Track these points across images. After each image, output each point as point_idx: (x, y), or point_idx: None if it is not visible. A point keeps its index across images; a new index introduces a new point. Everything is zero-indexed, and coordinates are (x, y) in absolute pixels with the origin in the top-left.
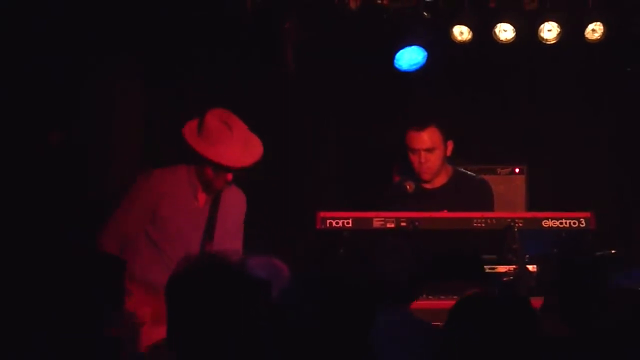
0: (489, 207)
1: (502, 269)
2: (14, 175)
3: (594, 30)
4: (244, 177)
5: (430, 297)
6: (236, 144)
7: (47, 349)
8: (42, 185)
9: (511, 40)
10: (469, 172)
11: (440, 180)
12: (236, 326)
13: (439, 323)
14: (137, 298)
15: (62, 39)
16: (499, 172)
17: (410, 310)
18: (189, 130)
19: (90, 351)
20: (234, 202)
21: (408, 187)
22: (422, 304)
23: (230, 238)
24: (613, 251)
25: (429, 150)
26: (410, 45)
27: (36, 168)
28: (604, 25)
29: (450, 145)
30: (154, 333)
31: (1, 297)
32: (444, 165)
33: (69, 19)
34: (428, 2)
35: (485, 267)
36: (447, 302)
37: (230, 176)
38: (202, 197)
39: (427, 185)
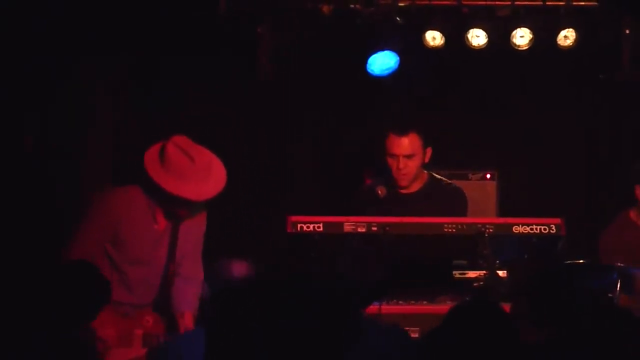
0: (462, 215)
1: (472, 274)
2: None
3: (566, 37)
4: None
5: (400, 302)
6: (197, 176)
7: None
8: (14, 189)
9: (483, 46)
10: (444, 179)
11: (416, 186)
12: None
13: (409, 328)
14: (101, 319)
15: (33, 43)
16: (470, 177)
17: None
18: (150, 159)
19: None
20: (195, 222)
21: (379, 191)
22: (392, 308)
23: (191, 257)
24: (581, 261)
25: (409, 156)
26: (383, 50)
27: (10, 172)
28: (576, 32)
29: (429, 152)
30: (118, 355)
31: None
32: (420, 171)
33: (36, 24)
34: (401, 7)
35: (455, 272)
36: (417, 307)
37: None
38: (162, 220)
39: (402, 190)
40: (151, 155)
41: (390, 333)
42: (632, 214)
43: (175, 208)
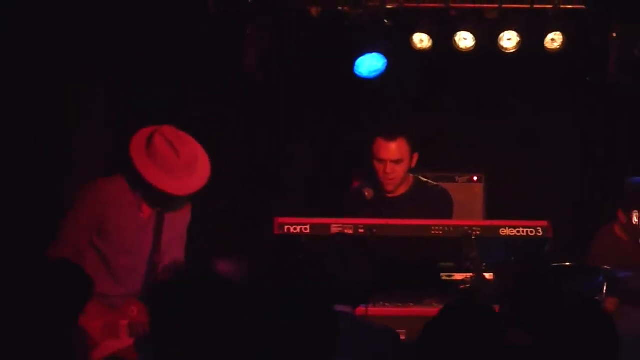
0: (449, 217)
1: (459, 276)
2: None
3: (554, 40)
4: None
5: (387, 304)
6: (181, 171)
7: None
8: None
9: (471, 49)
10: (429, 182)
11: (402, 190)
12: (221, 330)
13: (397, 330)
14: (87, 312)
15: (28, 41)
16: (457, 180)
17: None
18: (136, 148)
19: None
20: (180, 212)
21: (367, 193)
22: (379, 310)
23: (175, 247)
24: (568, 263)
25: (396, 161)
26: (371, 52)
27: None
28: (563, 35)
29: (415, 157)
30: (105, 347)
31: None
32: (407, 175)
33: (31, 23)
34: (389, 9)
35: (442, 274)
36: (404, 309)
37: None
38: (146, 208)
39: (389, 194)
40: (137, 144)
41: (381, 334)
42: (617, 229)
43: (157, 200)
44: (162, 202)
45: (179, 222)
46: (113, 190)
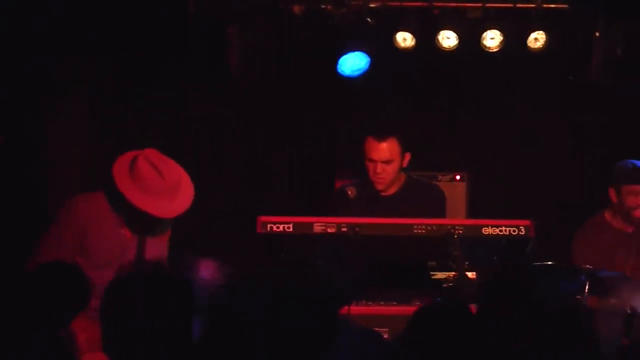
0: (441, 213)
1: (442, 275)
2: None
3: (537, 39)
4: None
5: (370, 303)
6: (165, 194)
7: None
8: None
9: (454, 48)
10: (421, 179)
11: (394, 188)
12: (168, 328)
13: (378, 329)
14: (73, 324)
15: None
16: (440, 179)
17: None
18: (119, 170)
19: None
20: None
21: (349, 192)
22: (361, 309)
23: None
24: (550, 263)
25: (387, 162)
26: (354, 51)
27: None
28: (546, 34)
29: (407, 156)
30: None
31: None
32: (398, 174)
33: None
34: (372, 8)
35: (425, 273)
36: (387, 308)
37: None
38: (126, 230)
39: (382, 193)
40: (120, 167)
41: (363, 334)
42: (607, 215)
43: (141, 223)
44: (147, 225)
45: (160, 240)
46: (94, 207)
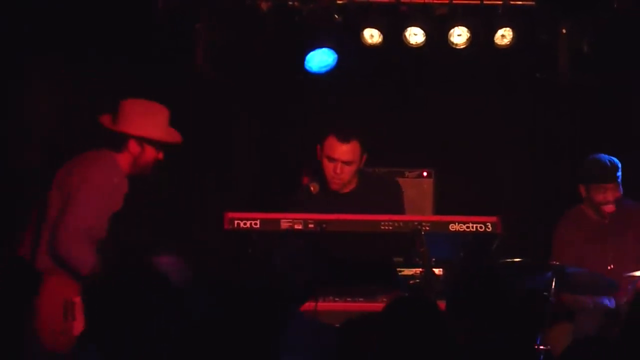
0: (399, 206)
1: (408, 271)
2: None
3: (504, 36)
4: (154, 174)
5: (336, 299)
6: (162, 118)
7: None
8: None
9: (421, 44)
10: (374, 172)
11: (350, 187)
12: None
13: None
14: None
15: None
16: (407, 175)
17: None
18: (108, 118)
19: None
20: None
21: (312, 188)
22: (328, 305)
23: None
24: (517, 259)
25: (347, 163)
26: (322, 47)
27: None
28: (513, 31)
29: (364, 157)
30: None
31: None
32: (355, 174)
33: None
34: (339, 4)
35: (392, 269)
36: (354, 304)
37: (161, 155)
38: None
39: (339, 192)
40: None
41: (326, 330)
42: (584, 208)
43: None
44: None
45: None
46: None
